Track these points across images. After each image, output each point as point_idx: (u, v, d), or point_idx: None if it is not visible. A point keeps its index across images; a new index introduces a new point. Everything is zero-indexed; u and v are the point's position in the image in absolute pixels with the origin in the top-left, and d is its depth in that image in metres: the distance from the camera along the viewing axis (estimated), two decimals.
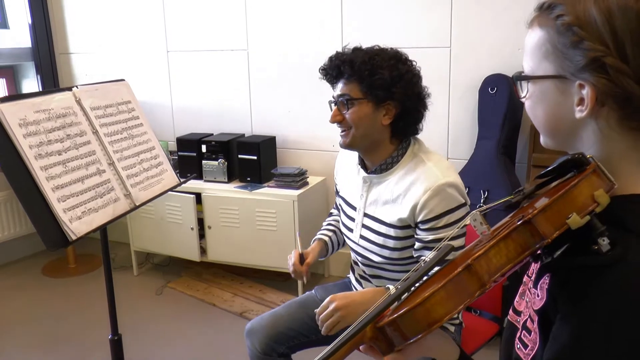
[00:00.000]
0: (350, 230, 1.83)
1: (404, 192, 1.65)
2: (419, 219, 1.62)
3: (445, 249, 1.02)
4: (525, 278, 1.00)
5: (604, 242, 0.75)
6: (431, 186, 1.59)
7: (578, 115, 0.81)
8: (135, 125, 1.74)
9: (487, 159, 2.93)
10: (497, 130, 2.90)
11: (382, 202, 1.71)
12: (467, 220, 0.92)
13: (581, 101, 0.81)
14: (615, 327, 0.74)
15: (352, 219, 1.82)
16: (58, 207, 1.40)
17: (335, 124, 1.71)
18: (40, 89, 4.21)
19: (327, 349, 0.94)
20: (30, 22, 4.17)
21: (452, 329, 1.81)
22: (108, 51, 4.16)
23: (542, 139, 0.94)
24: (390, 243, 1.70)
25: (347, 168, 1.89)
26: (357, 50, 1.69)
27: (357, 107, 1.65)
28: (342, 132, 1.71)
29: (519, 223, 0.78)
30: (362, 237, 1.78)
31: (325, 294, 2.00)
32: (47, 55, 4.26)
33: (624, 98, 0.77)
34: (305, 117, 3.58)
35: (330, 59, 1.70)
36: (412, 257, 1.69)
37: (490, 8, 2.94)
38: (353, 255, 1.89)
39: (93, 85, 1.68)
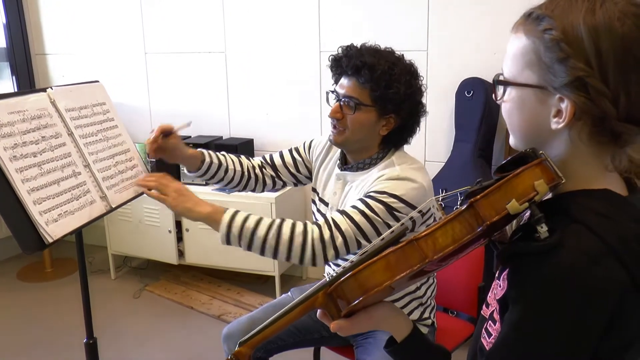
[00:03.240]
0: None
1: (367, 184, 1.66)
2: (364, 191, 1.62)
3: (400, 229, 1.04)
4: (497, 274, 1.03)
5: (542, 229, 0.79)
6: (388, 174, 1.61)
7: (554, 126, 0.84)
8: (110, 127, 1.73)
9: (463, 161, 2.96)
10: (474, 133, 2.93)
11: (352, 199, 1.71)
12: (427, 206, 0.97)
13: (558, 113, 0.83)
14: (553, 312, 0.78)
15: (324, 214, 1.83)
16: (34, 210, 1.39)
17: (331, 119, 1.69)
18: (16, 90, 4.15)
19: (281, 310, 1.02)
20: (4, 22, 4.11)
21: (425, 330, 1.83)
22: (85, 52, 4.12)
23: (511, 140, 0.96)
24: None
25: (325, 164, 1.88)
26: (377, 52, 1.64)
27: (362, 114, 1.63)
28: (335, 128, 1.69)
29: (463, 207, 0.84)
30: None
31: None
32: (22, 56, 4.20)
33: (600, 117, 0.80)
34: (283, 120, 3.58)
35: (349, 55, 1.64)
36: None
37: (467, 12, 2.97)
38: None
39: (67, 86, 1.67)
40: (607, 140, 0.83)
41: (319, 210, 1.88)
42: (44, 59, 4.30)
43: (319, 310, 0.99)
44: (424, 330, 1.83)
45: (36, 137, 1.49)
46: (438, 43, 3.08)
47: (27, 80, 4.23)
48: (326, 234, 1.54)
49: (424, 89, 1.70)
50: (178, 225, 3.50)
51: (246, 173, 1.91)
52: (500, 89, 0.91)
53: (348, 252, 1.56)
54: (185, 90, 3.86)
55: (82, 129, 1.63)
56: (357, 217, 1.54)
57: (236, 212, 1.56)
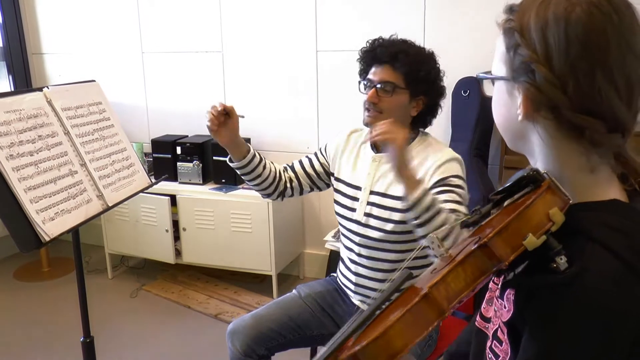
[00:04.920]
0: (352, 210, 1.86)
1: (417, 165, 1.73)
2: (434, 180, 1.72)
3: (403, 275, 0.99)
4: (491, 284, 1.00)
5: (562, 261, 0.75)
6: (447, 156, 1.75)
7: (519, 118, 0.84)
8: (107, 127, 1.73)
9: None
10: (470, 132, 2.94)
11: (390, 178, 1.77)
12: (425, 243, 0.91)
13: (520, 104, 0.83)
14: (581, 341, 0.75)
15: (356, 199, 1.86)
16: (31, 209, 1.39)
17: (367, 104, 1.79)
18: (13, 90, 4.15)
19: None
20: (1, 21, 4.11)
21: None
22: (82, 52, 4.12)
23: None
24: (396, 216, 1.76)
25: (348, 153, 1.95)
26: (404, 42, 1.81)
27: (397, 96, 1.77)
28: (369, 112, 1.80)
29: (474, 247, 0.77)
30: (366, 214, 1.82)
31: (309, 291, 2.02)
32: (19, 55, 4.20)
33: (552, 107, 0.79)
34: (280, 119, 3.59)
35: (384, 44, 1.80)
36: (411, 232, 1.68)
37: (463, 12, 2.98)
38: (347, 240, 1.90)
39: (64, 86, 1.67)
40: (573, 134, 0.81)
41: (345, 195, 1.90)
42: (40, 58, 4.30)
43: None
44: None
45: (33, 136, 1.49)
46: (434, 42, 3.07)
47: (24, 79, 4.23)
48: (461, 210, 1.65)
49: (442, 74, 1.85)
50: (175, 224, 3.50)
51: (278, 175, 1.98)
52: (490, 86, 0.93)
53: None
54: (182, 90, 3.86)
55: (79, 128, 1.63)
56: (453, 194, 1.68)
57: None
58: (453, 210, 1.63)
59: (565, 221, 0.79)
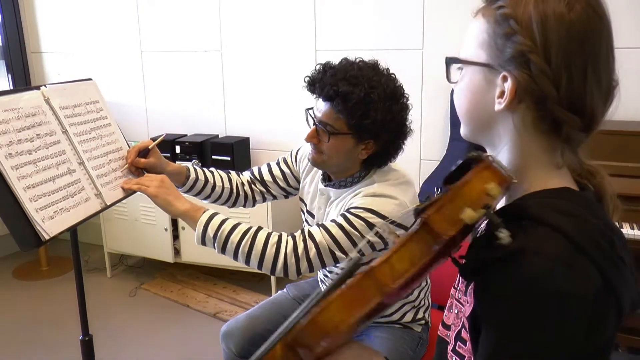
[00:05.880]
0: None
1: (347, 201, 1.64)
2: (347, 206, 1.60)
3: (354, 261, 0.96)
4: (452, 290, 1.00)
5: (503, 234, 0.74)
6: (382, 191, 1.59)
7: (497, 107, 0.84)
8: (104, 125, 1.73)
9: (458, 160, 2.97)
10: None
11: (332, 217, 1.69)
12: (376, 229, 0.90)
13: (502, 94, 0.83)
14: (533, 324, 0.74)
15: (310, 225, 1.83)
16: (30, 207, 1.39)
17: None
18: (12, 88, 4.15)
19: None
20: (0, 20, 4.11)
21: (418, 329, 1.83)
22: (81, 51, 4.12)
23: (461, 129, 0.95)
24: None
25: (310, 172, 1.86)
26: (354, 78, 1.53)
27: (338, 141, 1.58)
28: (314, 150, 1.65)
29: (416, 226, 0.78)
30: None
31: (298, 292, 2.02)
32: (18, 54, 4.20)
33: (541, 98, 0.80)
34: (278, 118, 3.59)
35: (323, 80, 1.58)
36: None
37: (462, 10, 2.98)
38: None
39: (61, 84, 1.67)
40: (550, 129, 0.82)
41: (306, 221, 1.88)
42: (39, 57, 4.30)
43: None
44: (417, 329, 1.83)
45: (31, 134, 1.49)
46: (433, 42, 3.09)
47: (23, 78, 4.23)
48: (300, 246, 1.53)
49: (408, 107, 1.63)
50: (174, 223, 3.51)
51: (234, 190, 1.88)
52: (457, 72, 0.91)
53: (323, 265, 1.55)
54: (181, 89, 3.86)
55: (76, 127, 1.64)
56: (334, 230, 1.53)
57: (215, 214, 1.56)
58: (292, 237, 1.54)
59: (516, 207, 0.81)
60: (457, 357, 0.91)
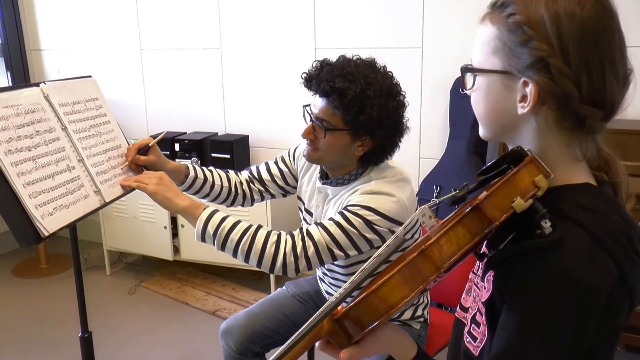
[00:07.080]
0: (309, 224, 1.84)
1: (344, 199, 1.64)
2: (345, 204, 1.60)
3: (398, 242, 1.01)
4: (470, 275, 1.03)
5: (547, 225, 0.79)
6: (379, 189, 1.59)
7: (520, 111, 0.85)
8: (103, 123, 1.73)
9: (458, 158, 2.98)
10: (468, 130, 2.94)
11: (330, 214, 1.70)
12: (417, 215, 0.94)
13: (524, 98, 0.84)
14: (557, 311, 0.78)
15: (308, 223, 1.83)
16: (30, 204, 1.39)
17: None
18: (11, 85, 4.15)
19: (283, 346, 0.92)
20: None
21: (417, 326, 1.84)
22: (81, 48, 4.11)
23: (480, 131, 0.97)
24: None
25: (308, 170, 1.86)
26: (350, 74, 1.54)
27: (335, 137, 1.58)
28: (310, 146, 1.66)
29: (467, 210, 0.81)
30: None
31: (297, 289, 2.02)
32: (17, 52, 4.19)
33: (563, 98, 0.81)
34: (278, 116, 3.59)
35: (319, 76, 1.60)
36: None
37: (461, 9, 2.98)
38: None
39: (61, 81, 1.67)
40: (573, 125, 0.84)
41: (304, 219, 1.88)
42: (39, 54, 4.29)
43: (319, 342, 0.93)
44: (417, 326, 1.83)
45: (30, 131, 1.49)
46: (433, 40, 3.09)
47: (22, 76, 4.23)
48: (298, 244, 1.53)
49: (404, 104, 1.63)
50: (173, 221, 3.51)
51: (233, 189, 1.88)
52: (470, 78, 0.92)
53: (321, 263, 1.55)
54: (180, 87, 3.86)
55: (76, 124, 1.63)
56: (332, 228, 1.54)
57: (215, 211, 1.56)
58: (291, 236, 1.54)
59: (546, 202, 0.83)
60: (470, 339, 0.95)
